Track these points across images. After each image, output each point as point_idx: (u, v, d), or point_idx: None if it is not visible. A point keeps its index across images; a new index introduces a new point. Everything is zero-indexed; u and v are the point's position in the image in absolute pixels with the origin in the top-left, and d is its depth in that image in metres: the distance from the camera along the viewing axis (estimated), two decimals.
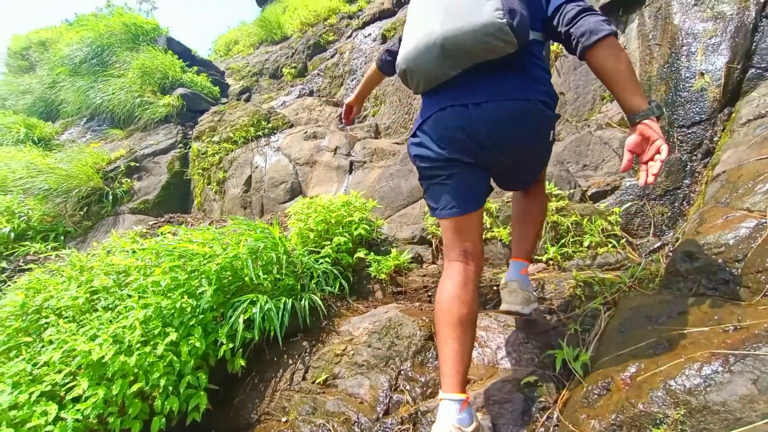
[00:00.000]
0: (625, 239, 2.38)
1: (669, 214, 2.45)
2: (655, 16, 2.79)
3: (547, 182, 2.79)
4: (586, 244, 2.30)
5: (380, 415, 1.42)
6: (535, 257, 2.47)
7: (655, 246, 2.35)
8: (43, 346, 1.60)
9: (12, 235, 3.93)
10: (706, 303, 1.20)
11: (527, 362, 1.47)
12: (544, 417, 1.23)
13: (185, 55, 7.18)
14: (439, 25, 1.12)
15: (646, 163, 1.06)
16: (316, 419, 1.47)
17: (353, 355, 1.70)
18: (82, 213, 4.47)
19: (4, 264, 3.57)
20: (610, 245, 2.30)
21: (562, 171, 2.87)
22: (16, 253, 3.77)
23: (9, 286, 3.10)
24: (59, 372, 1.49)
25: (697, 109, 2.38)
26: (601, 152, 2.97)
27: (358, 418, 1.42)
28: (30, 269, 3.39)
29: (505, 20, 1.04)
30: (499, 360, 1.52)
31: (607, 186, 2.72)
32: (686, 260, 1.43)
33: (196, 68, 6.93)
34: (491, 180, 1.37)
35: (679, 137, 2.46)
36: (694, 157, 2.40)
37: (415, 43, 1.18)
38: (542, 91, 1.20)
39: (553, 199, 2.67)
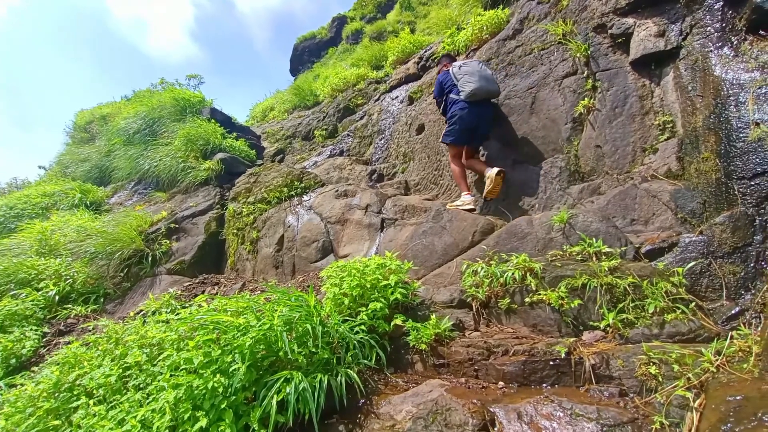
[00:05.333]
0: (694, 303, 2.12)
1: (742, 274, 2.19)
2: (692, 68, 2.73)
3: (594, 239, 2.61)
4: (651, 309, 2.05)
5: None
6: (592, 324, 2.23)
7: (733, 312, 2.07)
8: (71, 431, 1.52)
9: (57, 298, 4.07)
10: None
11: None
12: None
13: (226, 122, 7.77)
14: (486, 84, 3.68)
15: None
16: None
17: None
18: (122, 274, 4.61)
19: (45, 328, 3.64)
20: (678, 311, 2.05)
21: (609, 227, 2.69)
22: (58, 317, 3.87)
23: (51, 352, 3.12)
24: None
25: (758, 159, 2.21)
26: (650, 206, 2.79)
27: None
28: (69, 332, 3.44)
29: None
30: None
31: (663, 242, 2.50)
32: None
33: (235, 134, 7.43)
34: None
35: (741, 189, 2.27)
36: (762, 210, 2.18)
37: (476, 87, 3.65)
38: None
39: (604, 258, 2.46)
